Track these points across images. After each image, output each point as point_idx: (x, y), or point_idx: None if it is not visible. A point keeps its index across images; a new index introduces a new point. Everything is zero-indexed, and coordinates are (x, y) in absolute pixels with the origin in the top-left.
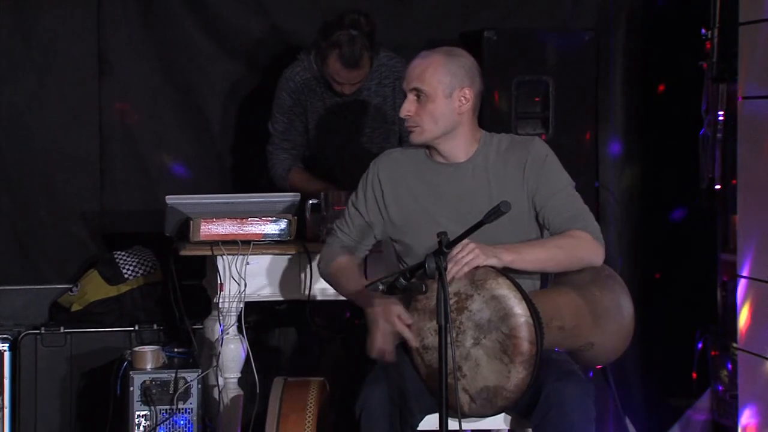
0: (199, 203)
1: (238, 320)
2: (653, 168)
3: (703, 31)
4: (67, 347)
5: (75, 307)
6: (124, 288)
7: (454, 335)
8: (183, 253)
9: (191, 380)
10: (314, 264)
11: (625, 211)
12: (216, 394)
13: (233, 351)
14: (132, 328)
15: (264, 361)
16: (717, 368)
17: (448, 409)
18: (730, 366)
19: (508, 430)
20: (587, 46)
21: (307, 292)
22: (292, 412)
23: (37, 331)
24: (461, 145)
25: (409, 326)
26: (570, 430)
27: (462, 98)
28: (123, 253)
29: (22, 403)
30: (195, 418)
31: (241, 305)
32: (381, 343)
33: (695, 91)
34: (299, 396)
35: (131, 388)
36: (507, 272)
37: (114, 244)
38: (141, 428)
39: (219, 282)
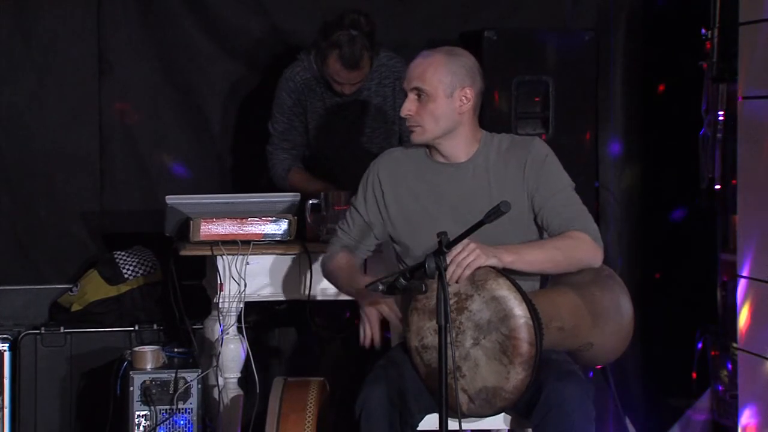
0: (199, 203)
1: (238, 320)
2: (653, 168)
3: (703, 31)
4: (67, 347)
5: (75, 307)
6: (124, 288)
7: (453, 335)
8: (183, 253)
9: (191, 380)
10: (314, 264)
11: (625, 211)
12: (216, 394)
13: (233, 351)
14: (132, 328)
15: (264, 361)
16: (717, 368)
17: (448, 409)
18: (730, 366)
19: (508, 430)
20: (587, 46)
21: (307, 292)
22: (292, 412)
23: (37, 331)
24: (462, 144)
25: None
26: (570, 430)
27: (463, 98)
28: (123, 253)
29: (22, 403)
30: (195, 418)
31: (241, 305)
32: (367, 329)
33: (695, 91)
34: (299, 396)
35: (131, 388)
36: (507, 273)
37: (114, 244)
38: (141, 428)
39: (219, 282)
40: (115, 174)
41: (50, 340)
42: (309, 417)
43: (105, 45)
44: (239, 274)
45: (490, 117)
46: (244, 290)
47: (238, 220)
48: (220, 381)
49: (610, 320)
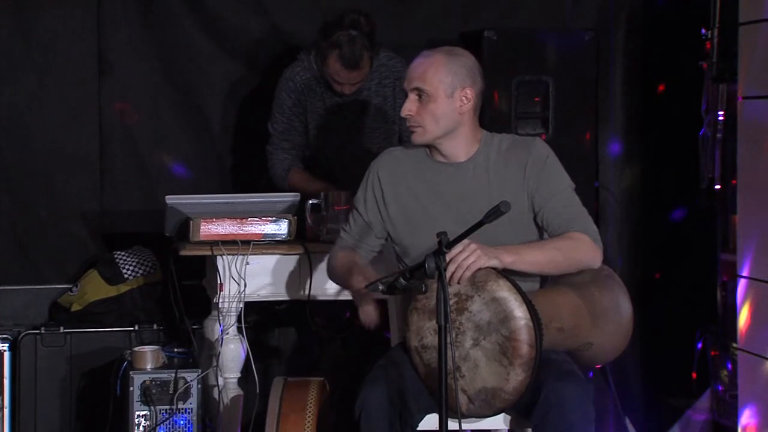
0: (199, 203)
1: (238, 320)
2: (653, 168)
3: (703, 31)
4: (67, 347)
5: (75, 307)
6: (124, 288)
7: (453, 335)
8: (183, 253)
9: (191, 380)
10: (315, 264)
11: (625, 211)
12: (216, 394)
13: (233, 351)
14: (132, 328)
15: (264, 361)
16: (717, 368)
17: (448, 409)
18: (730, 366)
19: (508, 430)
20: (587, 46)
21: (307, 292)
22: (292, 412)
23: (37, 331)
24: (462, 144)
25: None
26: (569, 430)
27: (463, 98)
28: (123, 253)
29: (22, 403)
30: (195, 418)
31: (241, 305)
32: (362, 313)
33: (695, 91)
34: (299, 396)
35: (131, 388)
36: (507, 273)
37: (114, 244)
38: (141, 428)
39: (219, 282)
40: (115, 174)
41: (50, 340)
42: (309, 417)
43: (105, 45)
44: (239, 274)
45: (490, 117)
46: (244, 290)
47: (238, 220)
48: (220, 381)
49: (610, 320)
